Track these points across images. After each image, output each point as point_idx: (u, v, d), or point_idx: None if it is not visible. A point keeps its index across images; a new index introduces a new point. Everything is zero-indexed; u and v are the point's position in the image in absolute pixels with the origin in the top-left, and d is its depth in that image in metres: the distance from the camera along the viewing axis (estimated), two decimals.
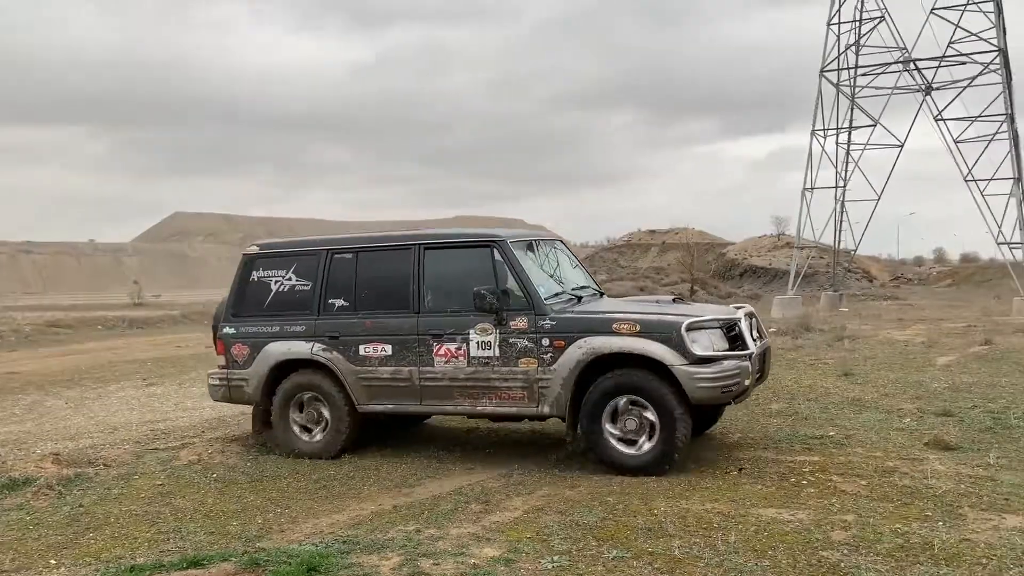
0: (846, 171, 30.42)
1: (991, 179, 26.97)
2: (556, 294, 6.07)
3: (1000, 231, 26.59)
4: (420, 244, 6.24)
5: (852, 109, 29.65)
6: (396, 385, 6.15)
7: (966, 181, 27.18)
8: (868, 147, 30.43)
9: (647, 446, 5.51)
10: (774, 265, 42.56)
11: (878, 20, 29.04)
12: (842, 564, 3.74)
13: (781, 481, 5.22)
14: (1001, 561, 3.70)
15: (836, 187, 30.36)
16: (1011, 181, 26.74)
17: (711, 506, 4.72)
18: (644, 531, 4.31)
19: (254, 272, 6.70)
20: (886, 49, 29.06)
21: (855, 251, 34.54)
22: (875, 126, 29.87)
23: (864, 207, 32.22)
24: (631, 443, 5.56)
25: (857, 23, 29.36)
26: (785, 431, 6.76)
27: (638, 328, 5.53)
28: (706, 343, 5.48)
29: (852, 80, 29.41)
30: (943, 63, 27.70)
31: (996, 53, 26.72)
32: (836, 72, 29.32)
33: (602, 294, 6.88)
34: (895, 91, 29.18)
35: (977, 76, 27.17)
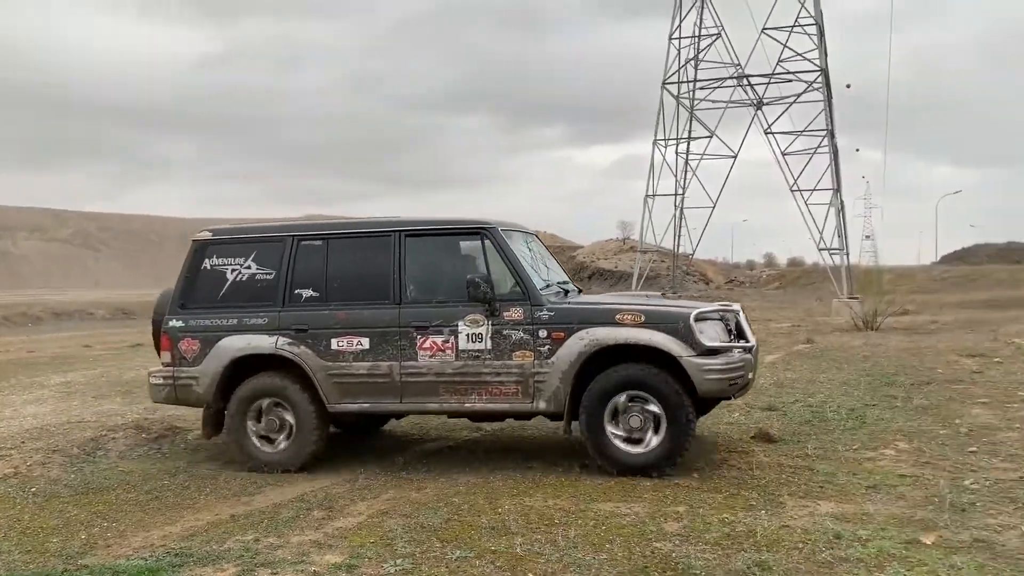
0: (685, 179, 31.94)
1: (814, 189, 29.10)
2: (547, 285, 5.82)
3: (822, 238, 28.76)
4: (401, 231, 5.87)
5: (691, 121, 31.19)
6: (374, 381, 5.72)
7: (792, 191, 29.23)
8: (705, 157, 32.10)
9: (653, 443, 5.30)
10: (620, 268, 44.30)
11: (715, 37, 30.71)
12: (673, 554, 3.92)
13: (619, 475, 5.40)
14: (815, 545, 3.98)
15: (676, 194, 31.83)
16: (831, 192, 28.97)
17: (553, 502, 4.82)
18: (488, 530, 4.35)
19: (206, 260, 6.11)
20: (722, 64, 30.78)
21: (693, 255, 36.32)
22: (711, 137, 31.57)
23: (701, 213, 33.91)
24: (635, 441, 5.34)
25: (696, 39, 30.94)
26: None
27: (643, 319, 5.32)
28: (713, 334, 5.34)
29: (691, 93, 30.95)
30: (772, 80, 29.66)
31: (819, 73, 28.90)
32: (677, 85, 30.81)
33: (580, 290, 6.51)
34: (730, 104, 30.96)
35: (802, 93, 29.28)
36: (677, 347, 5.21)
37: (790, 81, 29.46)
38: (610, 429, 5.37)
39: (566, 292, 5.99)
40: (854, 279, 27.33)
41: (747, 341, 5.56)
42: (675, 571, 3.73)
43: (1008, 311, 19.98)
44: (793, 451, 6.06)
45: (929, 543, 3.99)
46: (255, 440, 5.93)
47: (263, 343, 5.87)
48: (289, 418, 5.87)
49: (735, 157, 31.84)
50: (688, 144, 31.59)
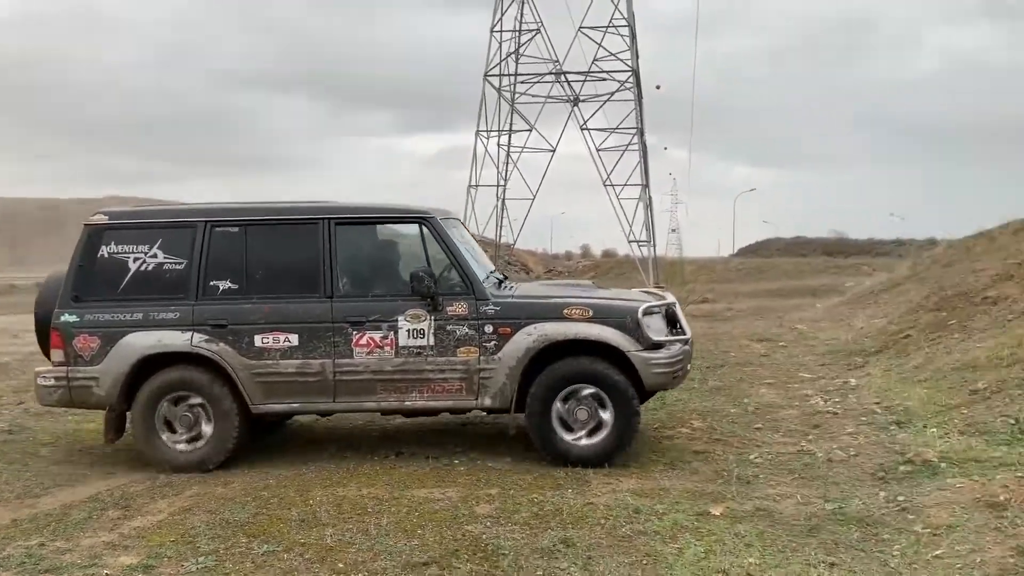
0: (506, 171, 32.61)
1: (625, 184, 30.64)
2: (486, 277, 5.60)
3: (631, 230, 30.30)
4: (329, 218, 5.49)
5: (512, 114, 31.86)
6: (304, 380, 5.36)
7: (605, 185, 30.61)
8: (525, 150, 32.93)
9: (600, 436, 5.28)
10: None
11: (535, 32, 31.49)
12: (484, 536, 4.00)
13: (435, 462, 5.44)
14: (616, 520, 4.21)
15: (498, 185, 32.46)
16: (640, 187, 30.56)
17: (367, 491, 4.79)
18: (298, 523, 4.25)
19: (103, 247, 5.48)
20: (542, 60, 31.64)
21: (514, 245, 37.20)
22: (531, 131, 32.39)
23: (522, 205, 34.76)
24: (582, 434, 5.30)
25: (517, 33, 31.58)
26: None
27: (591, 313, 5.29)
28: (657, 328, 5.36)
29: (512, 86, 31.60)
30: (588, 78, 30.85)
31: (630, 73, 30.37)
32: (498, 77, 31.35)
33: (506, 278, 6.22)
34: (548, 100, 31.93)
35: (615, 92, 30.68)
36: (626, 342, 5.23)
37: (604, 80, 30.76)
38: (557, 423, 5.32)
39: (500, 282, 5.82)
40: (660, 270, 29.04)
41: (684, 333, 5.62)
42: (485, 552, 3.81)
43: (792, 299, 21.91)
44: None
45: (718, 514, 4.32)
46: (166, 438, 5.45)
47: (176, 340, 5.37)
48: (207, 417, 5.43)
49: (553, 151, 32.86)
50: (509, 137, 32.27)
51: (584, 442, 5.30)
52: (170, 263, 5.46)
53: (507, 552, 3.80)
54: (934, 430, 5.61)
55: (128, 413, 5.52)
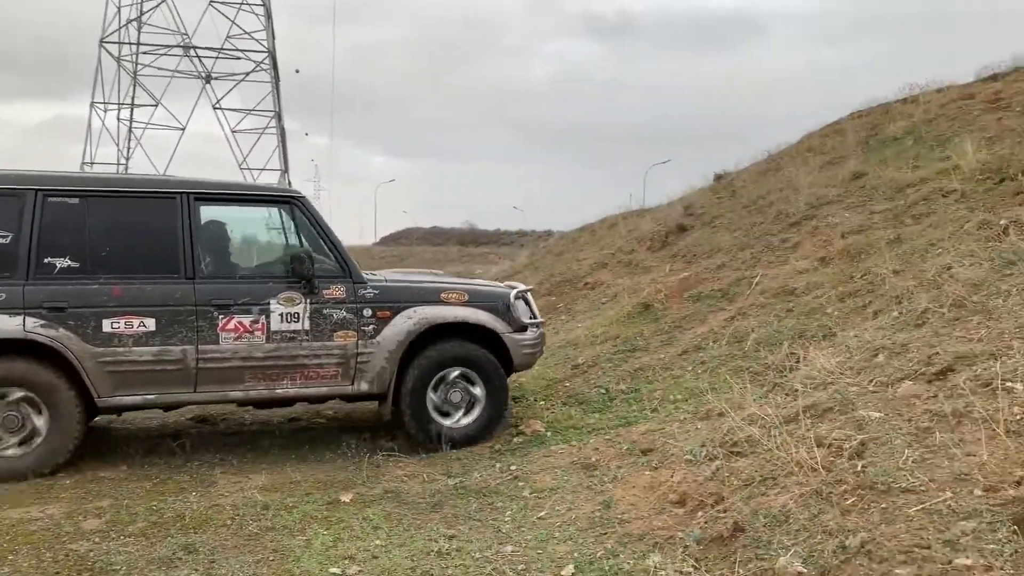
0: (128, 148, 29.78)
1: (263, 169, 29.71)
2: None
3: None
4: (188, 193, 5.02)
5: (134, 86, 29.16)
6: (162, 369, 4.85)
7: (241, 168, 29.39)
8: (150, 126, 30.38)
9: (471, 416, 5.46)
10: None
11: (160, 1, 29.08)
12: (91, 553, 3.64)
13: (36, 477, 4.81)
14: (243, 519, 4.08)
15: (119, 163, 29.52)
16: (280, 172, 29.82)
17: None
18: None
19: None
20: (168, 31, 29.33)
21: None
22: (157, 106, 29.94)
23: None
24: (454, 415, 5.45)
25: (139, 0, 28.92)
26: None
27: (467, 297, 5.48)
28: (523, 311, 5.67)
29: (134, 57, 28.89)
30: (221, 55, 29.31)
31: (266, 54, 29.42)
32: (117, 45, 28.43)
33: None
34: (177, 74, 29.75)
35: (251, 72, 29.54)
36: (500, 325, 5.51)
37: (239, 59, 29.44)
38: (432, 405, 5.40)
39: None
40: None
41: (537, 318, 5.91)
42: (92, 571, 3.47)
43: None
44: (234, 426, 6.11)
45: (347, 501, 4.38)
46: None
47: (6, 325, 4.60)
48: (39, 414, 4.77)
49: (183, 129, 30.71)
50: (132, 111, 29.50)
51: (461, 423, 5.48)
52: None
53: (119, 567, 3.49)
54: (542, 403, 6.26)
55: None
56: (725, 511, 3.53)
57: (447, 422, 5.46)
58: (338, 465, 5.10)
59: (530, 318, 5.78)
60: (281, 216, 5.29)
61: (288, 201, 5.31)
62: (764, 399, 4.55)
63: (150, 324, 4.86)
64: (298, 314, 5.12)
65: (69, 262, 4.80)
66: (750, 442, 3.97)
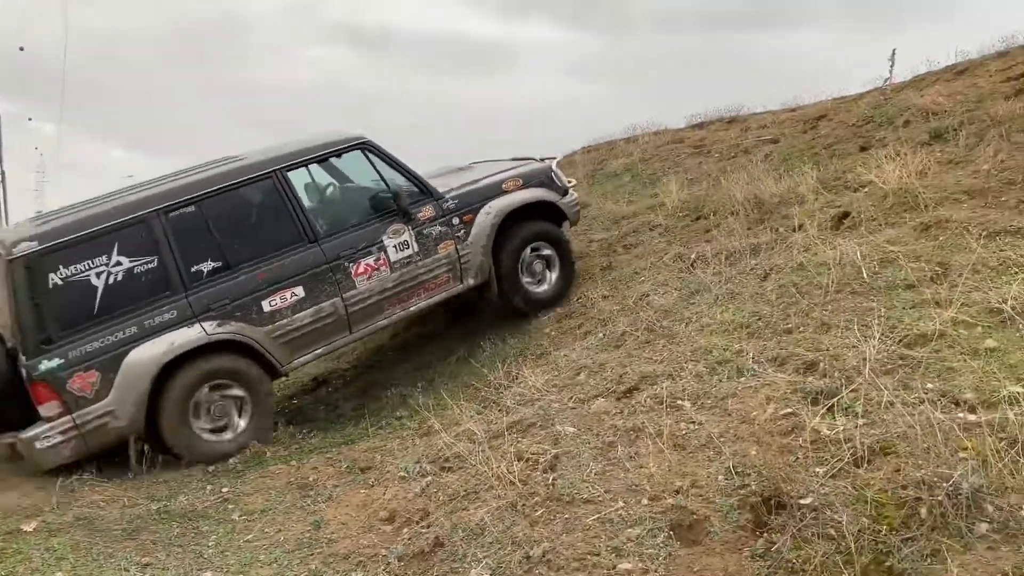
0: None
1: None
2: None
3: None
4: (278, 169, 5.48)
5: None
6: (322, 325, 5.49)
7: None
8: None
9: (552, 280, 6.51)
10: None
11: None
12: None
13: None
14: None
15: None
16: None
17: None
18: None
19: (52, 276, 4.74)
20: None
21: None
22: None
23: None
24: (539, 284, 6.46)
25: None
26: None
27: (521, 182, 6.31)
28: (560, 177, 6.60)
29: None
30: None
31: None
32: None
33: None
34: None
35: None
36: (553, 195, 6.43)
37: None
38: (525, 275, 6.39)
39: None
40: None
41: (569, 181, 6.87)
42: None
43: None
44: None
45: (30, 530, 4.00)
46: (201, 433, 5.17)
47: (189, 336, 5.06)
48: (240, 398, 5.28)
49: None
50: None
51: (542, 288, 6.48)
52: (139, 265, 5.03)
53: None
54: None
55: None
56: (429, 526, 3.65)
57: (538, 289, 6.47)
58: (25, 491, 4.62)
59: (564, 182, 6.73)
60: (366, 157, 5.83)
61: (359, 147, 5.85)
62: (480, 416, 4.76)
63: (299, 292, 5.43)
64: (407, 241, 5.81)
65: (212, 264, 5.22)
66: (459, 458, 4.14)
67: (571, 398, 4.49)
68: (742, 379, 4.02)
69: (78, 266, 4.89)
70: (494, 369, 5.46)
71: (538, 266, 6.49)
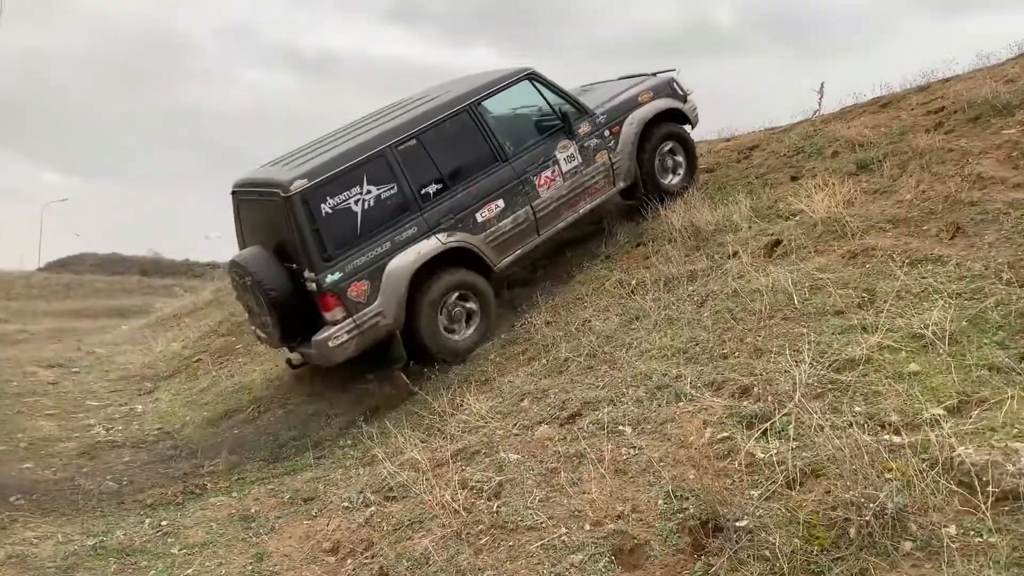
0: None
1: None
2: None
3: None
4: (470, 103, 6.47)
5: None
6: (520, 229, 6.54)
7: None
8: None
9: (680, 174, 7.48)
10: None
11: None
12: None
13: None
14: None
15: None
16: None
17: None
18: None
19: (322, 206, 5.82)
20: None
21: None
22: None
23: None
24: (674, 174, 7.50)
25: None
26: None
27: (652, 95, 7.25)
28: (681, 84, 7.56)
29: None
30: None
31: None
32: None
33: None
34: None
35: None
36: (677, 102, 7.41)
37: None
38: (661, 172, 7.39)
39: None
40: None
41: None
42: None
43: (100, 320, 20.83)
44: None
45: None
46: (443, 330, 6.27)
47: (429, 247, 6.11)
48: (472, 303, 6.40)
49: None
50: None
51: (675, 181, 7.45)
52: (384, 191, 6.04)
53: None
54: (210, 451, 5.99)
55: None
56: (373, 557, 3.65)
57: (672, 181, 7.43)
58: None
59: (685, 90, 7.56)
60: (528, 88, 6.76)
61: (527, 77, 6.76)
62: (424, 444, 4.77)
63: (501, 203, 6.46)
64: (573, 154, 6.81)
65: (435, 186, 6.26)
66: (403, 487, 4.15)
67: (515, 425, 4.54)
68: (680, 404, 4.13)
69: (340, 196, 5.93)
70: (438, 397, 5.48)
71: (669, 162, 7.52)
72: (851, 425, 3.42)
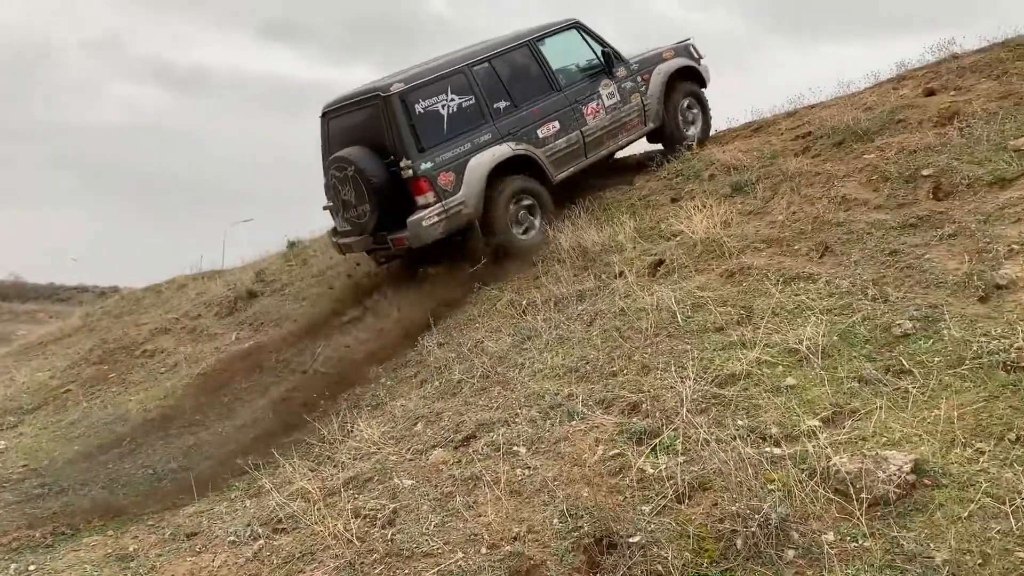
0: None
1: None
2: None
3: None
4: (530, 40, 7.84)
5: None
6: (572, 150, 7.74)
7: None
8: None
9: (700, 124, 8.79)
10: None
11: None
12: None
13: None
14: None
15: None
16: None
17: None
18: None
19: (416, 106, 6.99)
20: None
21: None
22: None
23: None
24: (693, 124, 8.76)
25: None
26: None
27: (673, 53, 8.65)
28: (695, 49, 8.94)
29: None
30: None
31: None
32: None
33: None
34: None
35: None
36: (692, 62, 8.72)
37: None
38: (683, 125, 8.62)
39: None
40: None
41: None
42: None
43: None
44: None
45: None
46: (513, 228, 7.34)
47: (503, 151, 7.25)
48: (535, 209, 7.50)
49: None
50: None
51: (692, 132, 8.67)
52: (464, 101, 7.26)
53: None
54: (80, 487, 5.64)
55: None
56: None
57: (691, 131, 8.64)
58: None
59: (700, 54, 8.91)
60: (575, 36, 8.09)
61: (574, 26, 8.11)
62: (314, 473, 4.64)
63: (557, 125, 7.63)
64: (613, 92, 8.07)
65: (504, 103, 7.44)
66: (293, 518, 4.02)
67: (408, 449, 4.49)
68: (573, 422, 4.19)
69: (430, 100, 7.08)
70: (328, 423, 5.35)
71: (690, 115, 8.69)
72: (735, 438, 3.56)
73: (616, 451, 3.80)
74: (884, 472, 3.04)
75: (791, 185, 6.40)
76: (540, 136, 7.52)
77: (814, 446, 3.35)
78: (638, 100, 8.28)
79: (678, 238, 6.24)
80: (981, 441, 3.19)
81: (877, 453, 3.20)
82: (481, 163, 7.12)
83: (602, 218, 7.34)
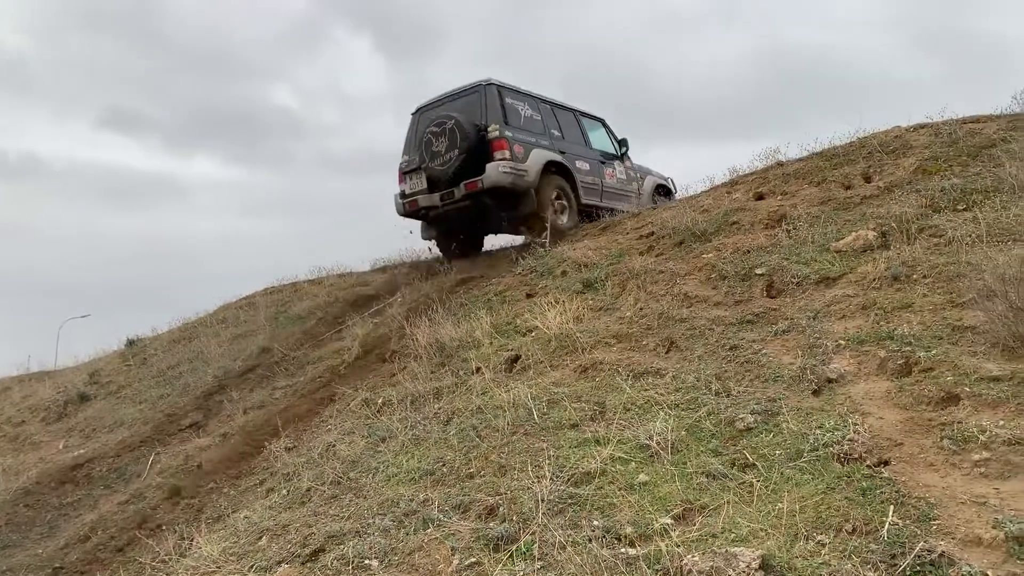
0: None
1: None
2: None
3: None
4: (576, 111, 11.12)
5: None
6: (593, 188, 10.45)
7: None
8: None
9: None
10: None
11: None
12: None
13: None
14: None
15: None
16: None
17: None
18: None
19: (506, 98, 9.70)
20: None
21: None
22: None
23: None
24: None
25: None
26: None
27: (654, 174, 12.34)
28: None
29: None
30: None
31: None
32: None
33: None
34: None
35: None
36: (667, 182, 12.84)
37: None
38: None
39: None
40: None
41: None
42: None
43: None
44: None
45: None
46: (555, 215, 9.62)
47: (557, 155, 9.87)
48: (567, 202, 9.88)
49: None
50: None
51: None
52: (534, 115, 10.02)
53: None
54: None
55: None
56: None
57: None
58: None
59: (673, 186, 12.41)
60: (604, 126, 11.55)
61: (600, 121, 11.53)
62: None
63: (587, 166, 10.51)
64: (621, 170, 11.29)
65: (556, 132, 10.32)
66: None
67: (251, 567, 4.18)
68: (428, 530, 4.04)
69: (514, 101, 9.81)
70: (163, 539, 4.93)
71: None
72: (590, 540, 3.53)
73: (472, 559, 3.68)
74: (734, 570, 3.08)
75: (637, 282, 6.66)
76: (577, 166, 10.22)
77: (667, 544, 3.37)
78: (634, 185, 11.54)
79: (533, 333, 6.32)
80: (822, 533, 3.31)
81: (727, 550, 3.25)
82: (542, 153, 9.65)
83: (459, 313, 7.35)
